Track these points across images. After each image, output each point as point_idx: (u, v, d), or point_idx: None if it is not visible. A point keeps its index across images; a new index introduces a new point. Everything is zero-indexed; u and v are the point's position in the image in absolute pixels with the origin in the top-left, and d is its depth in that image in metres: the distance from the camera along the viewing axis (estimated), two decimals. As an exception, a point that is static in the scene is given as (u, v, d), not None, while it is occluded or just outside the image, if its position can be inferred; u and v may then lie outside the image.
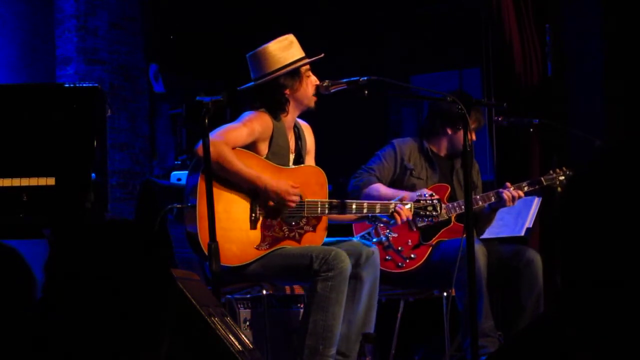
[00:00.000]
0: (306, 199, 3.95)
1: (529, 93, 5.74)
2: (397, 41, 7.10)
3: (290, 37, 4.01)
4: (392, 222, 4.10)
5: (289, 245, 3.92)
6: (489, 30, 5.84)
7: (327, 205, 3.97)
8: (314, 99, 4.00)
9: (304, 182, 3.98)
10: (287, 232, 3.91)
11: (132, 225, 1.65)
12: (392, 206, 4.07)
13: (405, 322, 4.74)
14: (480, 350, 3.88)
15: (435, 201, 4.15)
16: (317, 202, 3.96)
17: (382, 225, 4.48)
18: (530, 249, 4.65)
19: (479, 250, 4.30)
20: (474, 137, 4.66)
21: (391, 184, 4.62)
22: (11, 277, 1.74)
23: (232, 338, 2.90)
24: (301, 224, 3.95)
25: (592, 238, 1.18)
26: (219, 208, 3.71)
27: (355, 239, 4.09)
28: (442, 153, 4.75)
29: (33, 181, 3.37)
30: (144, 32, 7.01)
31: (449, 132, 4.66)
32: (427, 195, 4.16)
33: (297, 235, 3.93)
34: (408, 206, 4.09)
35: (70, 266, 1.58)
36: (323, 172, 4.05)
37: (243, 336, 3.04)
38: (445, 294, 4.46)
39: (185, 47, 7.29)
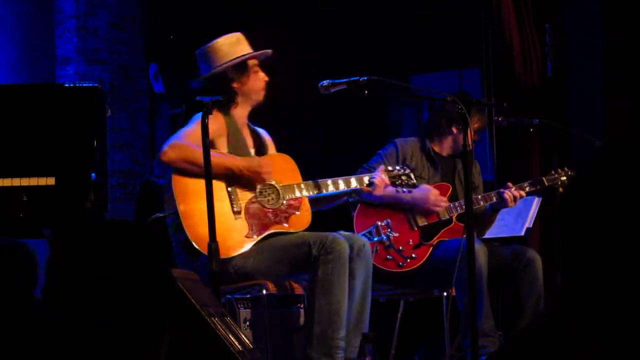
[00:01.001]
0: (281, 185, 3.99)
1: (529, 93, 5.74)
2: (397, 41, 7.10)
3: (238, 35, 4.15)
4: (372, 187, 4.13)
5: (277, 229, 3.94)
6: (489, 30, 5.84)
7: (303, 187, 4.01)
8: (263, 93, 4.13)
9: (275, 170, 4.03)
10: (272, 218, 3.95)
11: (132, 225, 1.65)
12: (366, 178, 4.11)
13: (405, 322, 4.74)
14: (480, 350, 3.88)
15: (407, 170, 4.23)
16: (292, 185, 4.02)
17: (384, 224, 4.49)
18: (530, 249, 4.65)
19: (480, 250, 4.30)
20: (476, 137, 4.68)
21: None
22: (17, 272, 1.74)
23: (232, 338, 2.90)
24: (284, 208, 3.98)
25: (592, 237, 1.18)
26: (200, 205, 3.75)
27: (346, 232, 4.07)
28: (445, 153, 4.76)
29: (33, 181, 3.37)
30: (144, 32, 7.01)
31: (455, 131, 4.68)
32: (398, 167, 4.22)
33: (282, 219, 3.97)
34: (382, 175, 4.15)
35: (70, 267, 1.58)
36: (290, 157, 4.12)
37: (243, 336, 3.04)
38: (445, 294, 4.46)
39: (185, 47, 7.28)
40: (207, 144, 3.46)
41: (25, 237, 3.56)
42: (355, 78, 3.77)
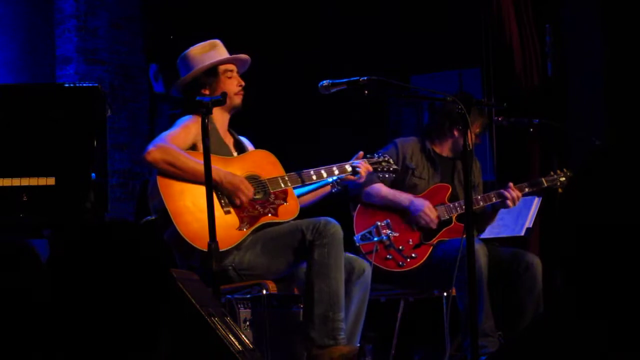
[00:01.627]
0: (266, 178, 4.02)
1: (529, 93, 5.74)
2: (397, 41, 7.09)
3: (214, 42, 4.21)
4: (357, 177, 4.16)
5: (268, 220, 3.97)
6: (489, 30, 5.83)
7: (287, 179, 4.05)
8: (238, 97, 4.13)
9: (257, 165, 4.07)
10: (261, 210, 3.97)
11: (132, 225, 1.65)
12: (348, 166, 4.15)
13: (405, 322, 4.74)
14: (480, 350, 3.88)
15: (386, 156, 4.28)
16: (277, 178, 4.05)
17: (383, 224, 4.49)
18: (528, 252, 4.65)
19: (480, 249, 4.30)
20: (478, 141, 4.68)
21: (393, 184, 4.62)
22: (24, 273, 1.74)
23: (232, 338, 2.90)
24: (271, 200, 3.99)
25: (591, 236, 1.18)
26: (187, 203, 3.80)
27: (349, 254, 4.08)
28: (445, 154, 4.76)
29: (33, 181, 3.37)
30: (144, 32, 7.01)
31: (456, 134, 4.68)
32: (377, 155, 4.27)
33: (272, 210, 4.00)
34: (364, 162, 4.19)
35: (70, 266, 1.58)
36: (271, 153, 4.14)
37: (243, 336, 3.04)
38: (445, 294, 4.46)
39: (185, 47, 7.28)
40: (208, 145, 3.47)
41: (25, 237, 3.56)
42: (355, 78, 3.77)
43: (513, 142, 5.73)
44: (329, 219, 3.90)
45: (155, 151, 3.87)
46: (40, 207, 3.35)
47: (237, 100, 4.14)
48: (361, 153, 4.25)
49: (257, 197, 3.99)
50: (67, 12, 6.67)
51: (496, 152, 5.76)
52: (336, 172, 4.14)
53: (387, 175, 4.29)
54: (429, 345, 5.34)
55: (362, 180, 4.20)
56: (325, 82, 3.94)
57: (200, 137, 3.97)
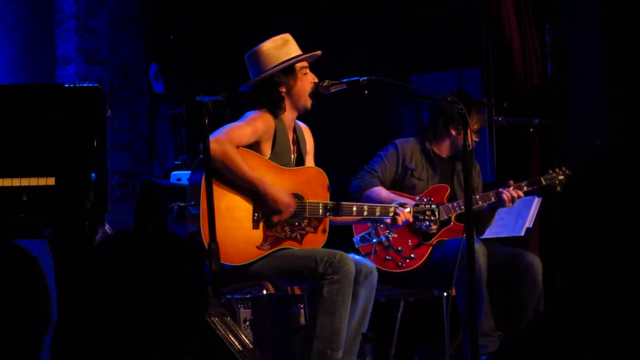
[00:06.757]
0: (308, 200, 3.95)
1: (529, 93, 5.74)
2: (397, 41, 7.09)
3: (286, 36, 4.04)
4: (392, 224, 4.12)
5: (290, 245, 3.92)
6: (489, 30, 5.83)
7: (328, 207, 3.97)
8: (310, 98, 4.02)
9: (306, 183, 3.99)
10: (288, 233, 3.92)
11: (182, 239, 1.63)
12: (392, 209, 4.08)
13: (405, 322, 4.74)
14: (480, 350, 3.88)
15: (434, 206, 4.17)
16: (318, 203, 3.97)
17: (382, 226, 4.49)
18: (529, 252, 4.65)
19: (480, 249, 4.30)
20: (476, 138, 4.67)
21: (392, 184, 4.62)
22: (27, 284, 1.73)
23: (232, 338, 2.90)
24: (303, 225, 3.96)
25: (591, 236, 1.18)
26: (221, 206, 3.73)
27: (357, 256, 4.07)
28: (444, 154, 4.75)
29: (33, 181, 3.37)
30: (144, 32, 7.02)
31: (453, 132, 4.66)
32: (425, 200, 4.18)
33: (298, 236, 3.94)
34: (407, 210, 4.11)
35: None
36: (324, 173, 4.06)
37: (243, 336, 3.04)
38: (445, 294, 4.46)
39: (185, 47, 7.29)
40: (207, 145, 3.46)
41: (25, 237, 3.55)
42: (355, 78, 3.77)
43: (513, 142, 5.73)
44: (345, 254, 3.83)
45: (213, 143, 3.65)
46: (40, 207, 3.34)
47: (309, 102, 4.03)
48: (406, 201, 4.20)
49: (291, 218, 3.93)
50: (67, 12, 6.68)
51: (496, 152, 5.76)
52: (378, 213, 4.09)
53: (424, 225, 4.24)
54: (429, 345, 5.34)
55: (396, 226, 4.14)
56: (325, 82, 3.94)
57: (265, 137, 3.94)
